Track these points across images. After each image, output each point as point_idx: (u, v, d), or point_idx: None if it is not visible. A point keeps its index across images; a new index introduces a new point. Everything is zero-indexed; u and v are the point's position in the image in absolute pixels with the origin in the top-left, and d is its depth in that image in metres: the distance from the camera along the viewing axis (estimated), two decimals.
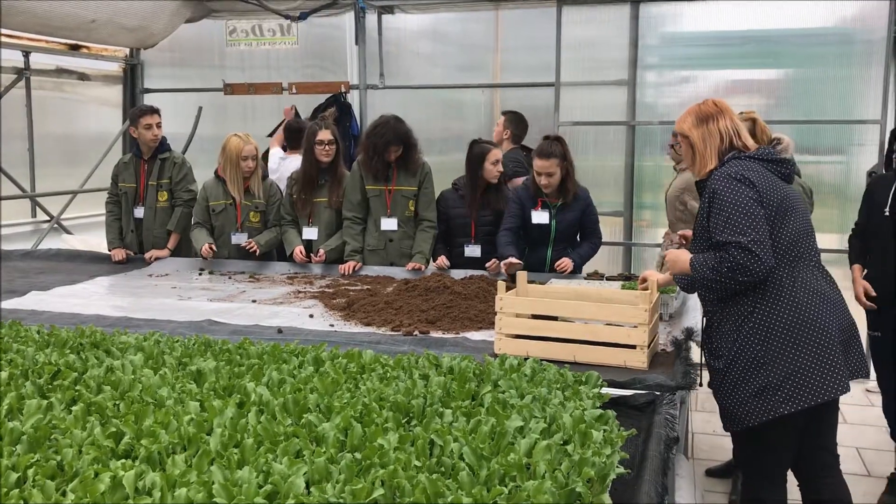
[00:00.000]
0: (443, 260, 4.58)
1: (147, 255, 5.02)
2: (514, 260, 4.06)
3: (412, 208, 4.71)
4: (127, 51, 7.63)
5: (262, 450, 1.72)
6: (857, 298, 3.78)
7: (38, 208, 6.87)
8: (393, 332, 3.33)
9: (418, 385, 2.21)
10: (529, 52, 6.68)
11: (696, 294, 3.00)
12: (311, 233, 4.85)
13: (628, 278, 3.93)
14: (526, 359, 2.50)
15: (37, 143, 6.83)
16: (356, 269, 4.62)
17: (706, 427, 4.76)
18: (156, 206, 5.14)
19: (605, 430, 1.90)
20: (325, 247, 4.75)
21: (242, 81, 7.25)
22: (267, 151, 6.39)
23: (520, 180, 4.87)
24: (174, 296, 4.11)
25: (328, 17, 7.08)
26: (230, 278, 4.61)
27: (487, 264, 4.40)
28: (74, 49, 7.06)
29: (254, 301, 3.96)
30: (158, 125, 5.06)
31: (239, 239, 4.87)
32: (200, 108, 7.28)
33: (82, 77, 7.34)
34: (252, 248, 4.78)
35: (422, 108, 6.90)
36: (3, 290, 4.10)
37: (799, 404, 2.55)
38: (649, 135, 6.29)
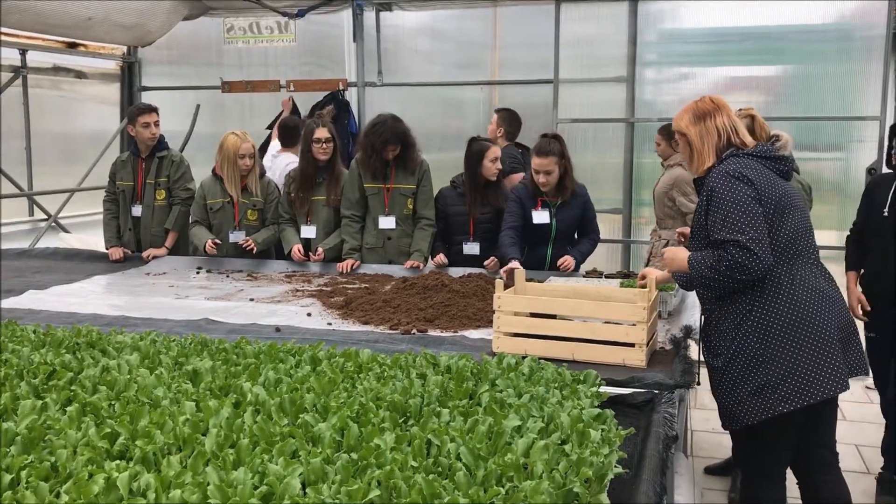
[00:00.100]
0: (441, 258, 4.57)
1: (145, 254, 5.01)
2: (515, 265, 3.99)
3: (410, 206, 4.69)
4: (124, 49, 7.62)
5: (257, 450, 1.71)
6: (852, 310, 3.74)
7: (35, 207, 6.86)
8: (391, 331, 3.32)
9: (415, 384, 2.20)
10: (528, 49, 6.67)
11: (694, 291, 2.99)
12: (309, 231, 4.84)
13: (627, 276, 3.92)
14: (524, 357, 2.49)
15: (34, 142, 6.82)
16: (354, 267, 4.61)
17: (705, 425, 4.75)
18: (153, 204, 5.13)
19: (603, 430, 1.89)
20: (323, 245, 4.74)
21: (240, 79, 7.24)
22: (266, 144, 6.38)
23: (517, 177, 4.86)
24: (172, 294, 4.10)
25: (326, 15, 7.07)
26: (228, 277, 4.60)
27: (486, 262, 4.39)
28: (71, 47, 7.05)
29: (251, 300, 3.95)
30: (156, 124, 5.05)
31: (237, 237, 4.86)
32: (198, 106, 7.27)
33: (79, 75, 7.33)
34: (249, 245, 4.77)
35: (420, 106, 6.89)
36: (0, 289, 4.08)
37: (798, 403, 2.54)
38: (648, 132, 6.27)
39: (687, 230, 3.12)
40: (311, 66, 7.29)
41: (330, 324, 3.46)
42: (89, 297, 4.09)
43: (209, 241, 4.75)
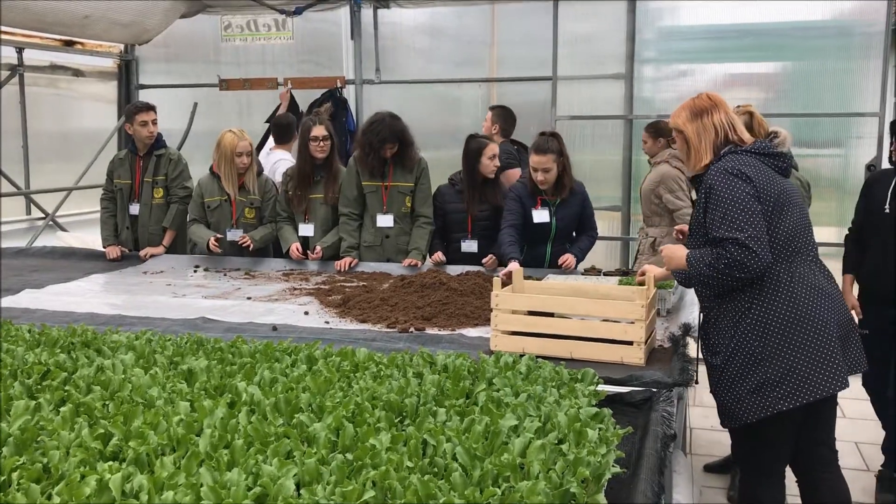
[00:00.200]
0: (439, 255, 4.56)
1: (142, 253, 5.00)
2: (514, 267, 3.96)
3: (409, 204, 4.68)
4: (121, 47, 7.59)
5: (252, 451, 1.70)
6: None
7: (32, 205, 6.84)
8: (388, 330, 3.30)
9: (412, 384, 2.18)
10: (526, 46, 6.65)
11: (693, 289, 2.98)
12: (307, 229, 4.82)
13: (626, 273, 3.91)
14: (521, 356, 2.48)
15: (31, 140, 6.79)
16: (352, 265, 4.60)
17: (704, 422, 4.74)
18: (151, 202, 5.11)
19: (600, 429, 1.87)
20: (321, 243, 4.73)
21: (238, 77, 7.22)
22: (265, 139, 6.36)
23: (513, 172, 4.86)
24: (169, 293, 4.09)
25: (323, 12, 7.05)
26: (225, 275, 4.58)
27: (484, 260, 4.38)
28: (68, 45, 7.02)
29: (249, 298, 3.94)
30: (154, 122, 5.04)
31: (234, 235, 4.84)
32: (196, 104, 7.24)
33: (77, 73, 7.30)
34: (245, 242, 4.75)
35: (418, 103, 6.87)
36: (0, 288, 4.07)
37: (797, 401, 2.53)
38: None
39: (685, 228, 3.11)
40: (309, 64, 7.27)
41: (327, 322, 3.44)
42: (86, 295, 4.08)
43: (211, 238, 4.73)
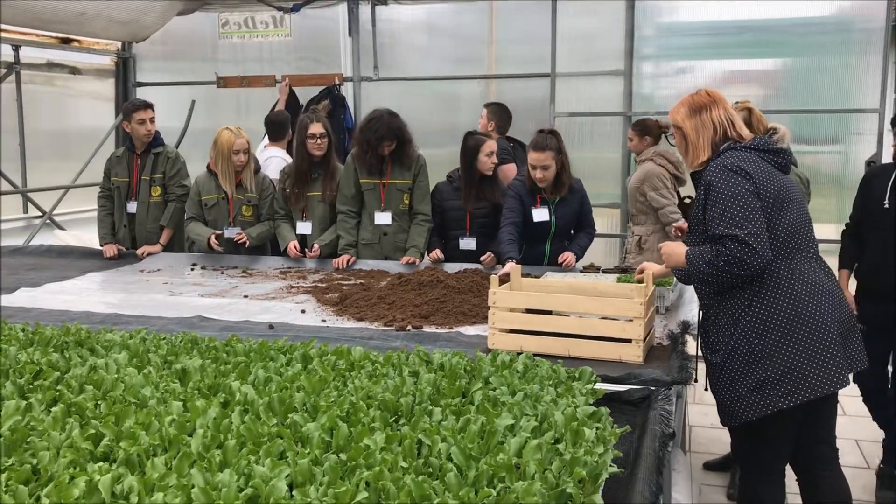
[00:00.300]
0: (437, 253, 4.54)
1: (139, 251, 4.98)
2: (512, 266, 3.94)
3: (407, 202, 4.65)
4: (119, 44, 7.57)
5: (244, 451, 1.68)
6: None
7: (29, 204, 6.82)
8: (386, 328, 3.28)
9: (408, 383, 2.16)
10: (525, 43, 6.64)
11: (692, 286, 2.96)
12: (304, 227, 4.80)
13: (624, 271, 3.89)
14: (519, 354, 2.46)
15: (28, 138, 6.77)
16: (350, 262, 4.58)
17: (703, 420, 4.72)
18: (149, 200, 5.09)
19: (598, 428, 1.85)
20: (319, 241, 4.71)
21: (235, 74, 7.20)
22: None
23: (509, 168, 4.84)
24: (165, 291, 4.07)
25: (321, 9, 7.03)
26: (222, 273, 4.56)
27: (482, 258, 4.36)
28: (65, 43, 7.00)
29: (245, 296, 3.92)
30: (152, 120, 5.02)
31: (231, 233, 4.82)
32: (193, 102, 7.22)
33: (74, 71, 7.28)
34: (242, 239, 4.73)
35: (416, 101, 6.85)
36: (0, 288, 4.04)
37: (797, 399, 2.51)
38: None
39: (684, 225, 3.09)
40: (307, 61, 7.25)
41: (324, 321, 3.42)
42: (83, 294, 4.05)
43: (212, 235, 4.71)
